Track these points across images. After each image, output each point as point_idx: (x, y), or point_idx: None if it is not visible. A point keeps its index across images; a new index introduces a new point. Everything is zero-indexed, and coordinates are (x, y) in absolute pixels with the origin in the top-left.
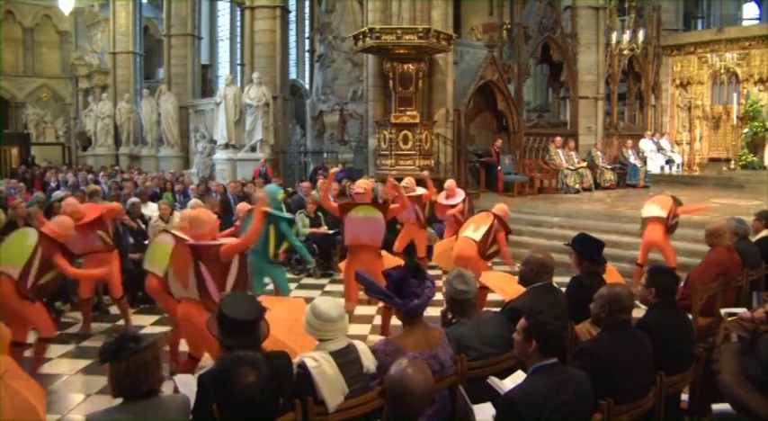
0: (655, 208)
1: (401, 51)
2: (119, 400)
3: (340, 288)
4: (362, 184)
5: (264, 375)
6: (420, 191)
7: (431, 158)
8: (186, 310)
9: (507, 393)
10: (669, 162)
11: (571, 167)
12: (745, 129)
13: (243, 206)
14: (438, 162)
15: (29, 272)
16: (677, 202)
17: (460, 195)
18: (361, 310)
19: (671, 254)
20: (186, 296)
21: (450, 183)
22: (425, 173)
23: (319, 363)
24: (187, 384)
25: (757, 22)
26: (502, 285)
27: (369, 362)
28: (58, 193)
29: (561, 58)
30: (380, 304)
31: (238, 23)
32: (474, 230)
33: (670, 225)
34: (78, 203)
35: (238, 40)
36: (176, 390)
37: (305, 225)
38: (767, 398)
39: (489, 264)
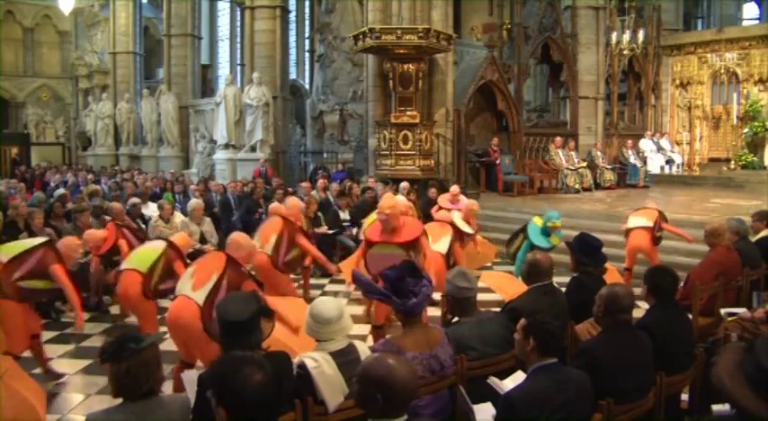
0: (641, 219)
1: (401, 51)
2: (119, 400)
3: (340, 288)
4: (389, 205)
5: (269, 376)
6: None
7: (431, 158)
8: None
9: (507, 393)
10: (669, 162)
11: (571, 167)
12: (745, 129)
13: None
14: (438, 162)
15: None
16: (663, 217)
17: (464, 201)
18: (360, 310)
19: (656, 258)
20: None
21: (454, 188)
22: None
23: (319, 364)
24: (193, 382)
25: (757, 22)
26: (502, 285)
27: None
28: (59, 191)
29: (561, 58)
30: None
31: (238, 23)
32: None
33: (655, 236)
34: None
35: (238, 40)
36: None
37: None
38: (756, 394)
39: (489, 264)
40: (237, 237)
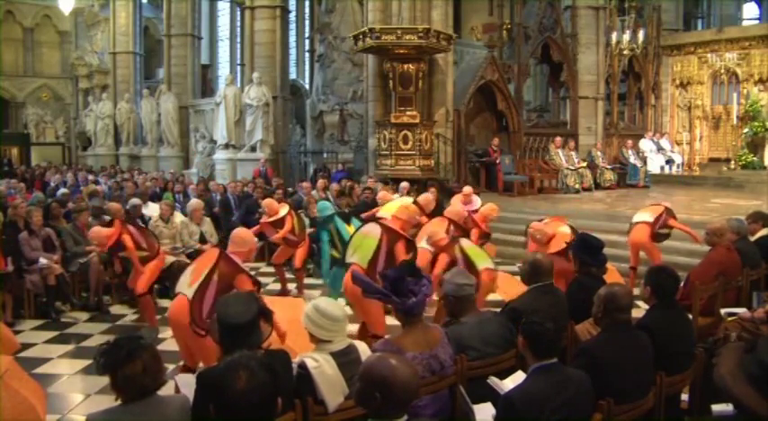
0: (644, 214)
1: (401, 51)
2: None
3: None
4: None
5: (258, 380)
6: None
7: (431, 158)
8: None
9: (507, 393)
10: (669, 162)
11: (571, 167)
12: (745, 129)
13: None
14: (438, 162)
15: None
16: (670, 213)
17: (477, 202)
18: None
19: (656, 255)
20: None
21: (467, 189)
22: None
23: (319, 364)
24: (189, 384)
25: (757, 22)
26: (502, 285)
27: None
28: (62, 191)
29: (561, 58)
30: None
31: (238, 23)
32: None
33: (656, 231)
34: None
35: (238, 40)
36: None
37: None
38: (759, 393)
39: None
40: (241, 232)
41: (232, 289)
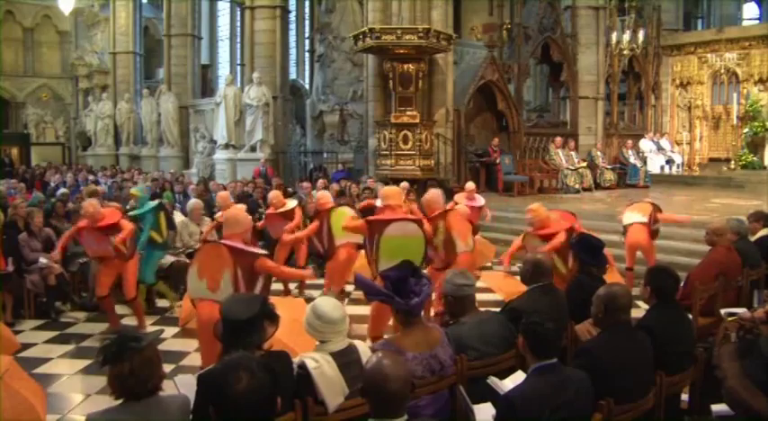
0: (635, 215)
1: (401, 51)
2: (118, 400)
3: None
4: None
5: (258, 380)
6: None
7: (431, 158)
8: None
9: (507, 393)
10: (669, 162)
11: (571, 167)
12: (745, 129)
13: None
14: (438, 162)
15: None
16: (657, 208)
17: (480, 199)
18: (360, 310)
19: (653, 256)
20: (210, 298)
21: (470, 185)
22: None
23: (320, 364)
24: (188, 385)
25: (757, 22)
26: (502, 285)
27: None
28: (62, 190)
29: (561, 58)
30: None
31: (238, 23)
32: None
33: (652, 230)
34: (98, 205)
35: (238, 40)
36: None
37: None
38: None
39: (489, 263)
40: (234, 211)
41: (257, 277)
